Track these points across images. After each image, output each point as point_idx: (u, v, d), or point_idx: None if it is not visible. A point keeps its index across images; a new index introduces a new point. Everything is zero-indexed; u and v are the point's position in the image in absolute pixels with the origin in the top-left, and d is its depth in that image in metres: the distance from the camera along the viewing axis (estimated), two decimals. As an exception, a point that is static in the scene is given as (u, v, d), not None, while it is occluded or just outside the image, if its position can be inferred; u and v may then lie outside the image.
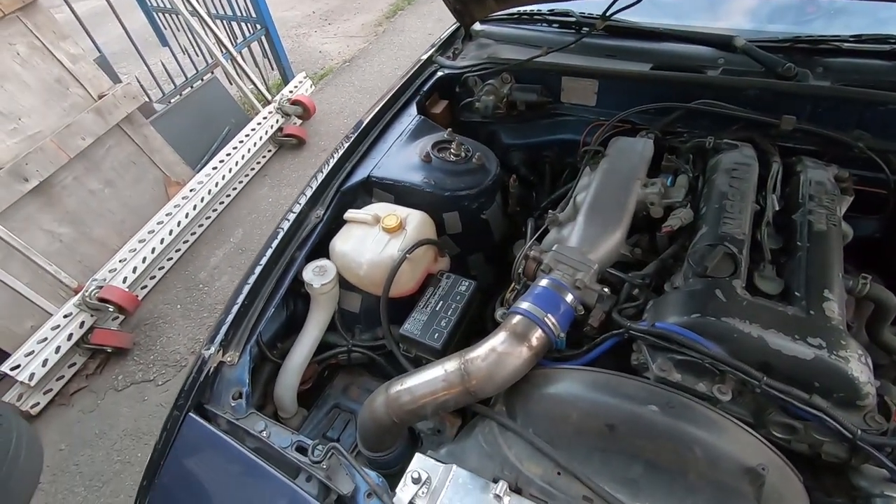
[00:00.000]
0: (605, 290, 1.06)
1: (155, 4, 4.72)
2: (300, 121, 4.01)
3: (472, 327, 1.30)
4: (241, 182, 3.61)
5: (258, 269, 1.26)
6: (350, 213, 1.35)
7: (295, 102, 3.86)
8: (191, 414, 1.05)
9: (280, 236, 1.32)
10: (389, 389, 0.97)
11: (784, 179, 1.24)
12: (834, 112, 1.31)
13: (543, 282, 1.05)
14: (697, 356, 0.88)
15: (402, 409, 0.95)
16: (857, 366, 0.84)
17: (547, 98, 1.63)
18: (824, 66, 1.37)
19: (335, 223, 1.38)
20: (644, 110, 1.47)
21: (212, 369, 1.10)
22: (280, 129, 3.82)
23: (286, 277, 1.27)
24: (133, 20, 4.14)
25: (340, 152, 1.51)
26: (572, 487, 0.80)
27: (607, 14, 1.39)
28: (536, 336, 0.96)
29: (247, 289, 1.22)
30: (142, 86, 3.39)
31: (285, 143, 3.89)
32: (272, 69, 4.61)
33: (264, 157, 3.81)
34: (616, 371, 0.94)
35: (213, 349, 1.12)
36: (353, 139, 1.53)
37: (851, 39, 1.36)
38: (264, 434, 1.00)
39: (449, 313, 1.21)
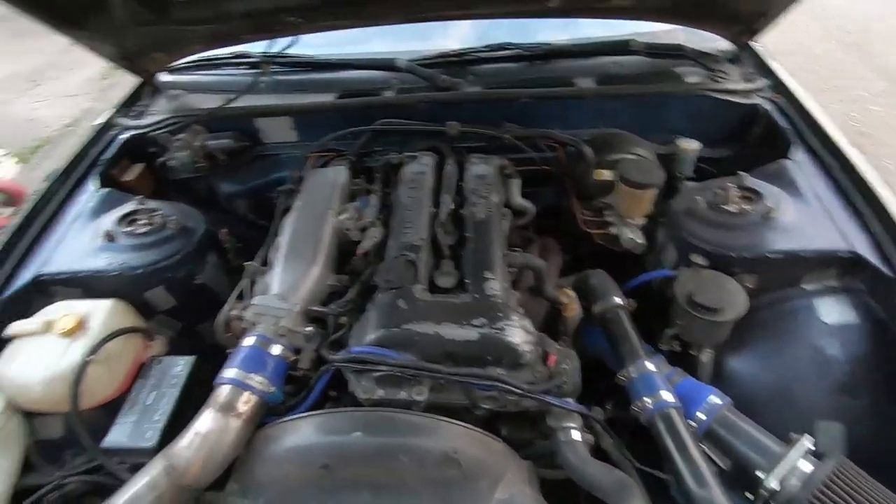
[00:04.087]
0: (310, 328, 1.06)
1: None
2: (10, 209, 3.28)
3: None
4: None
5: None
6: (12, 328, 1.11)
7: (-7, 190, 3.15)
8: None
9: None
10: None
11: (462, 178, 1.40)
12: (487, 111, 1.53)
13: (247, 340, 1.02)
14: (389, 369, 0.93)
15: None
16: (512, 331, 0.97)
17: (244, 142, 1.58)
18: (473, 74, 1.60)
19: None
20: (338, 137, 1.52)
21: None
22: (-19, 225, 3.07)
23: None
24: None
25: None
26: None
27: (267, 54, 1.41)
28: (244, 401, 0.93)
29: None
30: None
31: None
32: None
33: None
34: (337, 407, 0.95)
35: None
36: (9, 237, 1.28)
37: (484, 49, 1.61)
38: None
39: (163, 403, 1.08)
